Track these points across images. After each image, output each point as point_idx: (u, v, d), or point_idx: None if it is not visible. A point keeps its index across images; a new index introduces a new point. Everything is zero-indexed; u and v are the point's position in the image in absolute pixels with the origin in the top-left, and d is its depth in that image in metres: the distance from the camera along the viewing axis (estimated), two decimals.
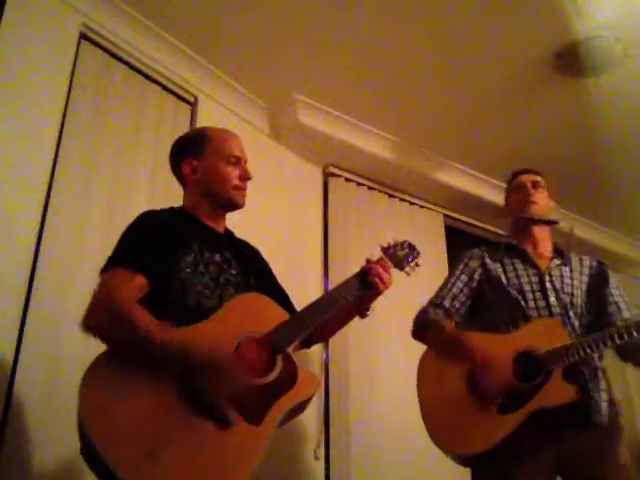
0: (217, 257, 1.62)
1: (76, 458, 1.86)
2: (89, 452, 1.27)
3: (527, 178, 2.19)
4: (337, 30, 2.76)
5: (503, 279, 2.04)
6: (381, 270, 1.64)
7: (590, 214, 4.31)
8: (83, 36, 2.49)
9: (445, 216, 3.96)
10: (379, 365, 3.14)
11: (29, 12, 2.28)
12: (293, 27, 2.76)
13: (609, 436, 1.85)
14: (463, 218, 4.06)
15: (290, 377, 1.42)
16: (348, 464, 2.87)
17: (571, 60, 2.86)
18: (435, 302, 2.09)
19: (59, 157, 2.25)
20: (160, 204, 2.49)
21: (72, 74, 2.39)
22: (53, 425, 1.90)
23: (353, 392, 3.02)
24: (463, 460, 1.89)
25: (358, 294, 1.63)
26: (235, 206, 1.71)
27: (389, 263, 1.68)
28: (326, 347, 3.05)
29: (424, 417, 1.92)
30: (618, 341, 1.79)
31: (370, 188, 3.66)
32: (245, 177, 1.69)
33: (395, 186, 3.74)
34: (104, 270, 1.47)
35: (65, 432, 1.91)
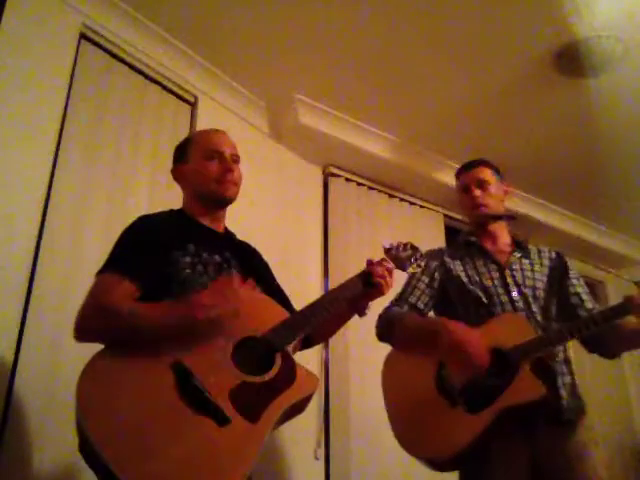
0: (216, 257, 1.62)
1: (76, 459, 1.86)
2: (86, 448, 1.27)
3: (471, 178, 2.10)
4: (337, 30, 2.76)
5: (463, 277, 2.00)
6: (385, 272, 1.64)
7: (590, 214, 4.32)
8: (83, 36, 2.49)
9: (445, 216, 3.96)
10: (379, 365, 3.13)
11: (29, 12, 2.28)
12: (293, 27, 2.76)
13: (580, 434, 1.80)
14: (463, 218, 4.05)
15: (289, 375, 1.43)
16: (348, 464, 2.87)
17: (571, 60, 2.86)
18: (398, 302, 2.03)
19: (59, 157, 2.25)
20: (160, 204, 2.50)
21: (72, 74, 2.39)
22: (53, 425, 1.90)
23: (353, 392, 3.02)
24: (435, 465, 1.80)
25: (359, 294, 1.63)
26: (223, 199, 1.70)
27: (391, 264, 1.69)
28: (326, 347, 3.05)
29: (391, 421, 1.86)
30: (584, 332, 1.76)
31: (370, 188, 3.66)
32: (225, 168, 1.67)
33: (395, 186, 3.75)
34: (95, 276, 1.49)
35: (65, 432, 1.91)
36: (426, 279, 2.04)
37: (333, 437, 2.92)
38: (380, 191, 3.70)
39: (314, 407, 2.88)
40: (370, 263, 1.68)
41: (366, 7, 2.63)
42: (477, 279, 1.98)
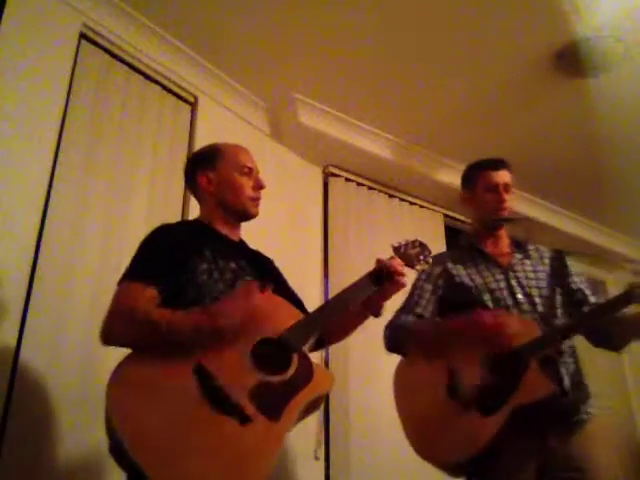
0: (232, 264, 1.65)
1: (76, 457, 1.87)
2: (120, 452, 1.31)
3: (501, 179, 2.07)
4: (337, 30, 2.76)
5: (468, 281, 2.00)
6: (396, 264, 1.66)
7: (590, 214, 4.32)
8: (83, 36, 2.49)
9: (445, 216, 3.97)
10: (379, 365, 3.14)
11: (29, 12, 2.28)
12: (293, 27, 2.76)
13: (591, 436, 1.80)
14: (463, 218, 4.05)
15: (306, 374, 1.48)
16: (348, 464, 2.87)
17: (571, 60, 2.86)
18: (404, 312, 2.04)
19: (59, 157, 2.25)
20: (159, 204, 2.50)
21: (72, 74, 2.39)
22: (53, 424, 1.90)
23: (353, 392, 3.02)
24: (451, 469, 1.81)
25: (371, 292, 1.65)
26: (249, 216, 1.76)
27: (401, 262, 1.69)
28: (326, 347, 3.05)
29: (406, 429, 1.88)
30: (589, 325, 1.77)
31: (370, 188, 3.67)
32: (259, 186, 1.75)
33: (395, 186, 3.75)
34: (118, 284, 1.52)
35: (65, 431, 1.91)
36: (430, 287, 2.05)
37: (333, 437, 2.92)
38: (380, 191, 3.71)
39: None
40: (379, 261, 1.69)
41: (365, 7, 2.63)
42: (481, 282, 1.99)
